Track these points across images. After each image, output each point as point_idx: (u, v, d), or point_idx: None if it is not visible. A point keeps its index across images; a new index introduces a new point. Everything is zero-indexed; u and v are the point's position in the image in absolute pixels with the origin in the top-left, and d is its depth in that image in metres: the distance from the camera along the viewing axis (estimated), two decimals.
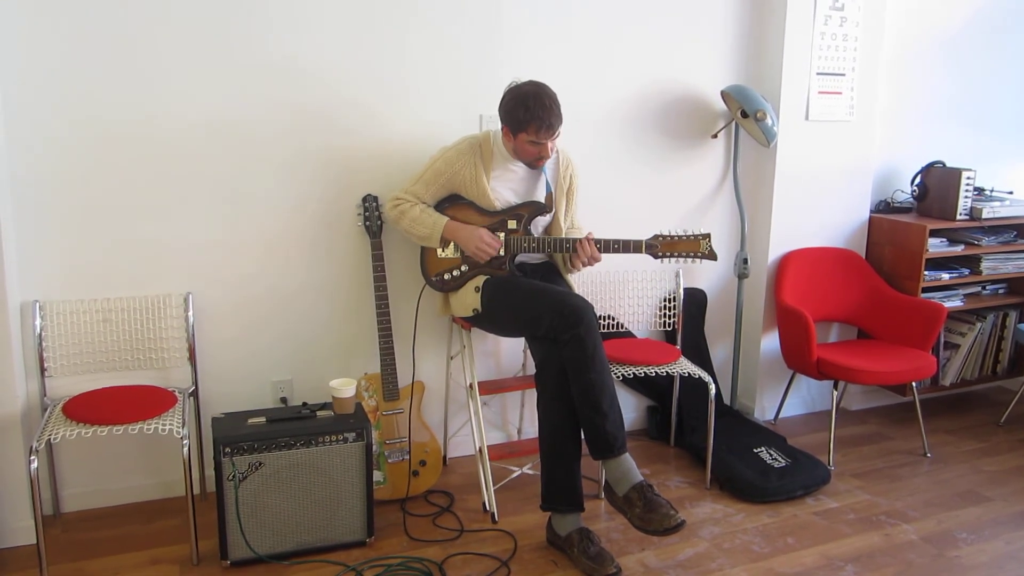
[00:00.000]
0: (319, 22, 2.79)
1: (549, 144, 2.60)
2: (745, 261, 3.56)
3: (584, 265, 2.69)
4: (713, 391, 3.00)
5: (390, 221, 2.83)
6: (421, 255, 2.86)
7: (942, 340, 3.75)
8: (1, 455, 2.52)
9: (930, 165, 3.73)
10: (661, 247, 2.65)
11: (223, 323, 2.87)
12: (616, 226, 3.25)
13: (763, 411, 3.74)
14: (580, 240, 2.65)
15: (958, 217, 3.59)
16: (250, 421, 2.53)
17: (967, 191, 3.58)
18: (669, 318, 3.41)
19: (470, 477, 3.09)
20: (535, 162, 2.68)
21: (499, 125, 2.69)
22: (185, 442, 2.43)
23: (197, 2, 2.63)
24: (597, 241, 2.65)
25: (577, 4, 3.13)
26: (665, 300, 3.41)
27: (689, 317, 3.52)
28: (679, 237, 2.64)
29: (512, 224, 2.70)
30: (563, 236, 2.79)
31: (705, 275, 3.60)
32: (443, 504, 2.90)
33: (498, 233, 2.69)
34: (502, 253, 2.69)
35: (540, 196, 2.78)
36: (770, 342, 3.67)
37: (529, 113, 2.53)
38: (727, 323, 3.69)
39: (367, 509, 2.58)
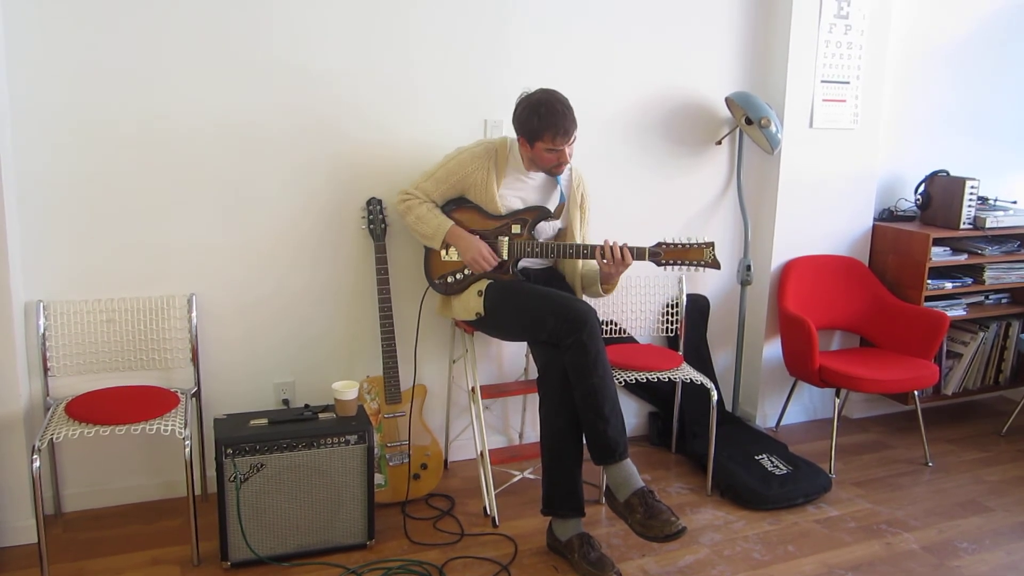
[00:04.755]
0: (324, 26, 2.80)
1: (567, 149, 2.61)
2: (748, 268, 3.56)
3: (616, 275, 2.66)
4: (715, 398, 2.99)
5: (397, 213, 2.84)
6: (425, 257, 2.86)
7: (944, 349, 3.75)
8: (3, 454, 2.52)
9: (934, 174, 3.73)
10: (665, 255, 2.64)
11: (226, 324, 2.87)
12: (619, 232, 3.22)
13: (765, 418, 3.74)
14: (605, 246, 2.59)
15: (961, 226, 3.58)
16: (252, 422, 2.54)
17: (971, 200, 3.57)
18: (672, 324, 3.41)
19: (471, 481, 3.09)
20: (554, 169, 2.68)
21: (504, 131, 2.70)
22: (187, 443, 2.44)
23: (204, 8, 2.65)
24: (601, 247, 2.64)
25: (583, 11, 3.14)
26: (668, 306, 3.41)
27: (691, 323, 3.52)
28: (683, 245, 2.63)
29: (516, 228, 2.71)
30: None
31: (708, 282, 3.60)
32: (444, 508, 2.89)
33: (502, 237, 2.70)
34: (505, 258, 2.69)
35: (552, 206, 2.78)
36: (772, 349, 3.67)
37: (543, 121, 2.54)
38: (729, 330, 3.69)
39: (368, 512, 2.58)
